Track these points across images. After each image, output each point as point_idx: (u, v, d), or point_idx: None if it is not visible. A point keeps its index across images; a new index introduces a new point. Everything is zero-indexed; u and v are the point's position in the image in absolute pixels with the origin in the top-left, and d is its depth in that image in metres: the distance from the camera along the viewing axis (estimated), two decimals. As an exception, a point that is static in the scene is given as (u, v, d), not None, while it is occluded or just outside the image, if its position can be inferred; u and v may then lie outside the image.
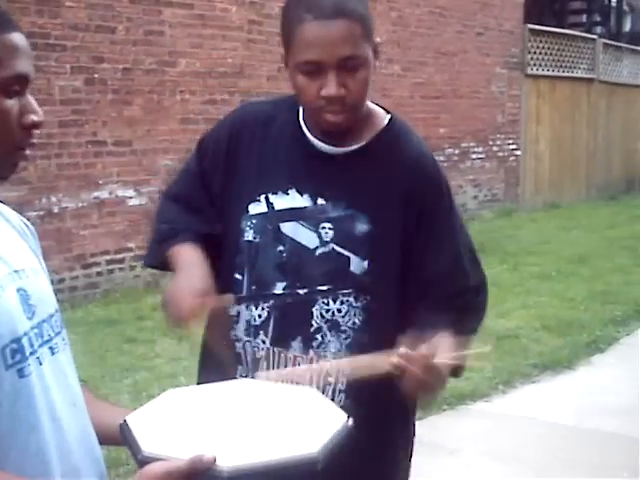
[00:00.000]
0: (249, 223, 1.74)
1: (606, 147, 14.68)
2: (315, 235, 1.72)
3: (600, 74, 14.16)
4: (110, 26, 6.80)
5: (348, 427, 1.29)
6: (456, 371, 1.66)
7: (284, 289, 1.73)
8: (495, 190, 12.02)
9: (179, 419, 1.30)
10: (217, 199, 1.80)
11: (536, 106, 12.73)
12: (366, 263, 1.70)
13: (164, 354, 5.34)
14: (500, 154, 12.10)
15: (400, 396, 1.57)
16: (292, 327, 1.72)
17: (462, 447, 4.30)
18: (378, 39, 1.71)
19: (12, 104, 1.21)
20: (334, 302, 1.71)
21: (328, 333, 1.71)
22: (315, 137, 1.74)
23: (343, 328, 1.71)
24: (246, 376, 1.73)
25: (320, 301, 1.71)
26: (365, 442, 1.55)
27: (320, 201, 1.72)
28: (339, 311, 1.71)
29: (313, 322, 1.71)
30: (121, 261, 6.98)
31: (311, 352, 1.71)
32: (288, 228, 1.73)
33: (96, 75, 6.72)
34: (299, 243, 1.72)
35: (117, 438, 1.29)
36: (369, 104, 1.76)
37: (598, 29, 16.07)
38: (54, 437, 1.23)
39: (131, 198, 7.07)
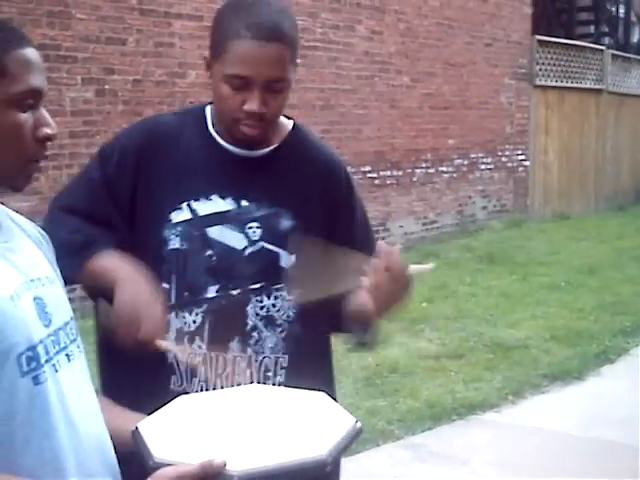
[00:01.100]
0: (173, 231, 1.75)
1: (615, 158, 14.66)
2: (242, 236, 1.76)
3: (608, 85, 14.16)
4: (121, 38, 6.85)
5: (356, 429, 1.30)
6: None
7: (217, 292, 1.75)
8: (504, 201, 12.02)
9: (190, 425, 1.31)
10: (125, 210, 1.78)
11: (545, 117, 12.73)
12: (293, 257, 1.78)
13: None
14: (509, 165, 12.10)
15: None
16: (228, 329, 1.75)
17: (472, 457, 4.29)
18: (298, 61, 1.78)
19: (26, 118, 1.23)
20: (268, 298, 1.77)
21: (264, 329, 1.76)
22: (227, 142, 1.79)
23: (279, 322, 1.77)
24: (181, 385, 1.73)
25: (254, 299, 1.76)
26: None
27: (244, 203, 1.77)
28: (274, 306, 1.77)
29: (248, 321, 1.76)
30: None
31: (249, 350, 1.75)
32: (215, 232, 1.76)
33: (107, 86, 6.76)
34: (227, 245, 1.76)
35: (131, 445, 1.31)
36: None
37: (606, 40, 16.07)
38: (69, 443, 1.24)
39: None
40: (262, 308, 1.76)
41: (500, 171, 11.91)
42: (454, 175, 10.94)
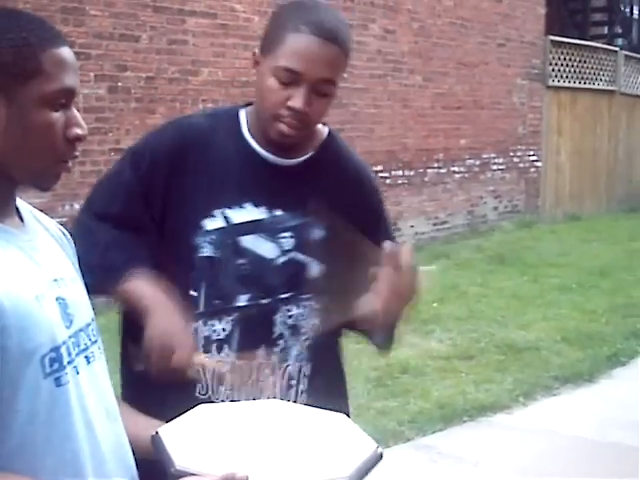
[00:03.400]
0: (207, 239, 1.73)
1: (627, 159, 14.59)
2: (274, 245, 1.75)
3: (621, 86, 14.09)
4: (134, 35, 6.85)
5: (377, 455, 1.30)
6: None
7: (248, 301, 1.74)
8: (515, 201, 11.99)
9: (211, 435, 1.31)
10: (156, 214, 1.76)
11: (557, 118, 12.68)
12: (323, 267, 1.77)
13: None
14: (521, 165, 12.06)
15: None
16: (256, 337, 1.74)
17: (483, 459, 4.28)
18: (345, 75, 1.78)
19: (58, 117, 1.22)
20: (297, 307, 1.76)
21: (290, 338, 1.76)
22: (262, 148, 1.76)
23: (304, 330, 1.77)
24: (205, 393, 1.72)
25: (283, 308, 1.75)
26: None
27: (277, 212, 1.75)
28: (301, 315, 1.76)
29: (275, 329, 1.75)
30: (142, 268, 7.01)
31: (274, 357, 1.74)
32: (247, 241, 1.74)
33: (120, 83, 6.76)
34: (259, 255, 1.74)
35: (150, 451, 1.31)
36: None
37: (619, 41, 16.00)
38: (88, 445, 1.24)
39: (153, 206, 7.09)
40: (290, 317, 1.75)
41: (512, 172, 11.88)
42: (466, 175, 10.92)
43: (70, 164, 1.27)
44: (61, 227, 1.43)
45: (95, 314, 1.35)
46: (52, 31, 1.25)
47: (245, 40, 7.78)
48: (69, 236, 1.43)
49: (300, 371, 1.77)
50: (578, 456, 4.34)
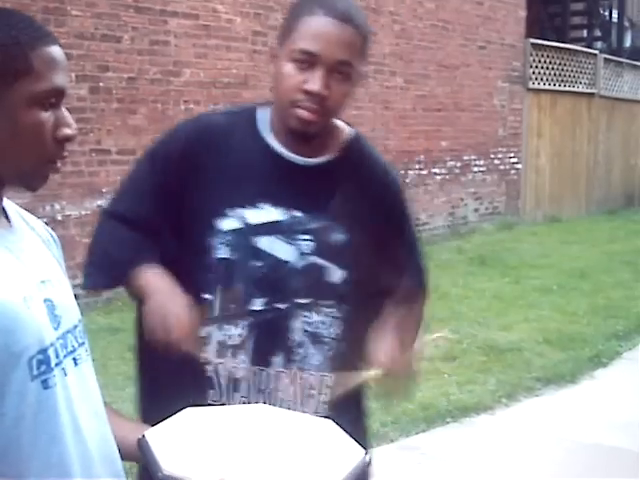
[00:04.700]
0: (222, 240, 1.68)
1: (606, 162, 14.70)
2: (293, 248, 1.69)
3: (601, 89, 14.20)
4: (115, 35, 6.82)
5: (365, 463, 1.28)
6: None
7: (263, 305, 1.68)
8: (496, 203, 12.04)
9: (198, 440, 1.29)
10: (173, 215, 1.72)
11: (537, 120, 12.75)
12: (345, 273, 1.71)
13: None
14: (501, 167, 12.11)
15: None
16: (273, 343, 1.69)
17: (465, 460, 4.29)
18: (365, 69, 1.74)
19: (47, 117, 1.20)
20: (317, 314, 1.69)
21: (311, 346, 1.69)
22: (282, 146, 1.71)
23: (326, 340, 1.71)
24: (218, 400, 1.67)
25: (302, 314, 1.68)
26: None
27: (296, 213, 1.69)
28: (323, 323, 1.70)
29: (295, 336, 1.69)
30: (123, 270, 6.96)
31: (293, 367, 1.68)
32: (264, 243, 1.68)
33: (101, 84, 6.73)
34: (277, 257, 1.68)
35: (137, 454, 1.29)
36: None
37: (599, 44, 16.11)
38: (76, 448, 1.22)
39: (134, 207, 7.06)
40: (310, 324, 1.69)
41: (492, 174, 11.92)
42: (446, 177, 10.95)
43: (59, 164, 1.25)
44: (48, 228, 1.41)
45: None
46: (42, 30, 1.23)
47: (227, 41, 7.77)
48: (56, 237, 1.41)
49: (322, 382, 1.70)
50: (560, 457, 4.35)
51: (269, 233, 1.68)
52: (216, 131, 1.75)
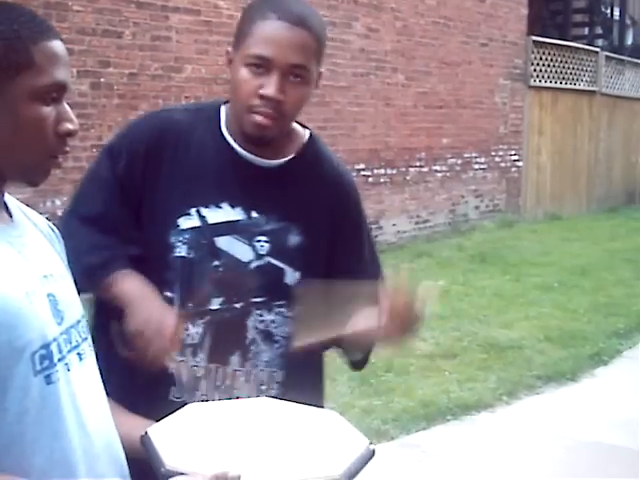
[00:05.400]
0: (181, 238, 1.68)
1: (607, 159, 14.69)
2: (250, 248, 1.70)
3: (602, 87, 14.18)
4: (117, 31, 6.81)
5: (370, 451, 1.28)
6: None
7: (221, 304, 1.69)
8: (497, 201, 12.03)
9: (201, 434, 1.29)
10: (135, 210, 1.72)
11: (538, 117, 12.74)
12: (298, 274, 1.72)
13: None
14: (502, 165, 12.10)
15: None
16: (229, 342, 1.70)
17: (466, 457, 4.29)
18: (322, 70, 1.72)
19: (49, 111, 1.20)
20: (269, 313, 1.71)
21: (261, 343, 1.71)
22: (240, 147, 1.71)
23: (276, 338, 1.72)
24: (180, 397, 1.68)
25: (255, 313, 1.70)
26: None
27: (254, 214, 1.71)
28: (273, 322, 1.72)
29: (248, 334, 1.70)
30: (124, 266, 6.96)
31: (247, 364, 1.70)
32: (223, 242, 1.69)
33: (102, 79, 6.71)
34: (234, 257, 1.69)
35: (140, 450, 1.29)
36: None
37: (600, 42, 16.09)
38: (80, 444, 1.22)
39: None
40: (262, 322, 1.71)
41: (493, 171, 11.92)
42: (447, 174, 10.94)
43: (61, 159, 1.25)
44: (50, 223, 1.41)
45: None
46: (44, 24, 1.23)
47: (229, 37, 7.72)
48: (58, 232, 1.41)
49: (271, 377, 1.72)
50: (561, 455, 4.35)
51: (227, 233, 1.69)
52: (177, 128, 1.74)
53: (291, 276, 1.72)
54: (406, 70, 10.10)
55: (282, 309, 1.72)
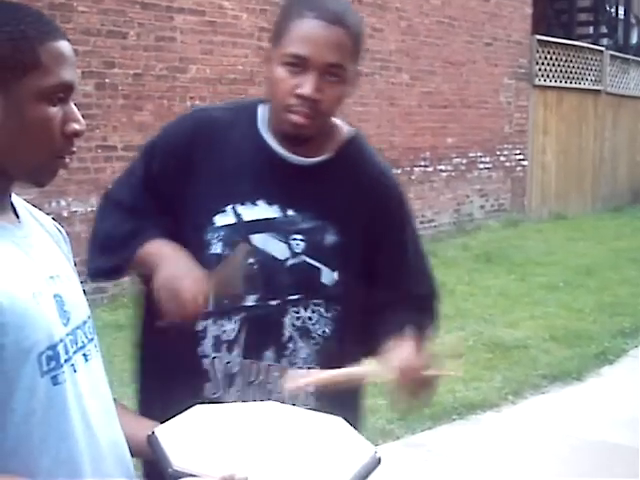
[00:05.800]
0: (216, 235, 1.69)
1: (612, 159, 14.66)
2: (285, 246, 1.70)
3: (607, 86, 14.16)
4: (122, 31, 6.81)
5: (376, 460, 1.28)
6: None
7: (256, 301, 1.70)
8: (502, 200, 12.02)
9: (208, 436, 1.29)
10: (170, 208, 1.73)
11: (543, 117, 12.72)
12: (336, 274, 1.72)
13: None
14: (507, 164, 12.09)
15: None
16: (264, 338, 1.71)
17: (471, 457, 4.29)
18: (360, 68, 1.72)
19: (56, 112, 1.20)
20: (305, 310, 1.71)
21: (299, 340, 1.71)
22: (279, 145, 1.72)
23: (313, 335, 1.72)
24: (215, 393, 1.69)
25: (291, 310, 1.70)
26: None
27: (290, 212, 1.71)
28: (310, 319, 1.72)
29: (285, 331, 1.71)
30: (129, 266, 6.97)
31: (284, 361, 1.70)
32: (258, 239, 1.69)
33: (107, 80, 6.72)
34: (269, 254, 1.69)
35: (146, 451, 1.29)
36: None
37: (605, 41, 16.07)
38: (87, 444, 1.22)
39: (140, 203, 7.06)
40: (298, 319, 1.70)
41: (498, 170, 11.90)
42: (452, 174, 10.93)
43: (67, 160, 1.25)
44: (56, 224, 1.41)
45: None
46: (50, 24, 1.23)
47: (233, 37, 7.77)
48: (64, 233, 1.41)
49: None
50: (566, 454, 4.35)
51: (263, 230, 1.70)
52: (215, 126, 1.76)
53: (328, 276, 1.72)
54: (410, 70, 10.09)
55: (319, 307, 1.72)
